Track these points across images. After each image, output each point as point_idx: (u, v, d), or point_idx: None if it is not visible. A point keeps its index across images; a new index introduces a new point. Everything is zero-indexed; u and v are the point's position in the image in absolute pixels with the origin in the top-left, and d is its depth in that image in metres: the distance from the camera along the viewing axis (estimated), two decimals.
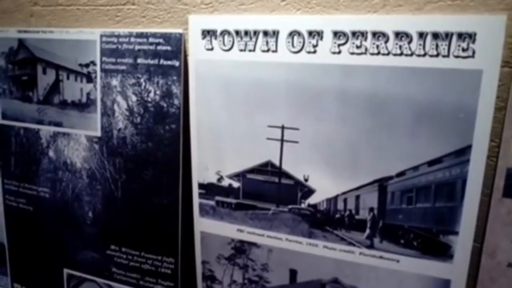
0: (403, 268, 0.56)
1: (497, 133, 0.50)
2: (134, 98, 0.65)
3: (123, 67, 0.65)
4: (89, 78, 0.68)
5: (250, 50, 0.57)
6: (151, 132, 0.65)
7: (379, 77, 0.51)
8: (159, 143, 0.65)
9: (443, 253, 0.54)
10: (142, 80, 0.64)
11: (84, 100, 0.69)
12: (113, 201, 0.71)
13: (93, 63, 0.67)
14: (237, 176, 0.63)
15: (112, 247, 0.74)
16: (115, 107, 0.67)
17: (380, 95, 0.52)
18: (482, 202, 0.51)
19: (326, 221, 0.59)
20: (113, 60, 0.66)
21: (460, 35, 0.47)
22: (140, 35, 0.63)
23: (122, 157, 0.68)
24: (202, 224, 0.67)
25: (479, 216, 0.52)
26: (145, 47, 0.63)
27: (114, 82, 0.66)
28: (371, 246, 0.57)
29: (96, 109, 0.68)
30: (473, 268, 0.55)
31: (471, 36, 0.47)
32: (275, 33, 0.55)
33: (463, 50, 0.47)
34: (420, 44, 0.49)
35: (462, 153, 0.50)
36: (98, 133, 0.69)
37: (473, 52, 0.47)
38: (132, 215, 0.70)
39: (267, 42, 0.55)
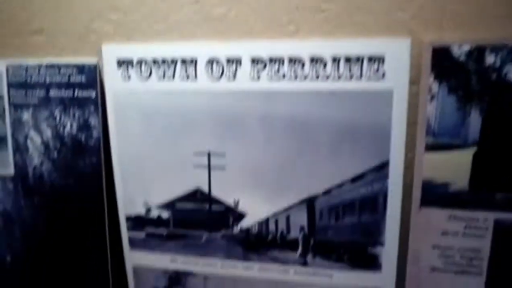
0: (337, 282, 0.58)
1: (413, 146, 0.53)
2: (49, 132, 0.61)
3: (35, 101, 0.61)
4: None
5: (169, 79, 0.55)
6: (70, 167, 0.62)
7: (299, 101, 0.52)
8: (79, 178, 0.61)
9: (372, 264, 0.56)
10: (56, 113, 0.61)
11: None
12: (34, 243, 0.66)
13: (0, 97, 0.62)
14: (166, 206, 0.61)
15: None
16: (29, 143, 0.62)
17: (301, 118, 0.53)
18: (404, 212, 0.54)
19: (259, 243, 0.59)
20: (23, 93, 0.61)
21: (371, 58, 0.49)
22: (50, 66, 0.60)
23: (41, 196, 0.64)
24: (134, 258, 0.65)
25: (402, 225, 0.55)
26: (57, 78, 0.60)
27: (26, 116, 0.62)
28: (305, 264, 0.58)
29: (6, 146, 0.63)
30: (400, 276, 0.57)
31: (380, 59, 0.49)
32: (194, 61, 0.54)
33: (374, 72, 0.49)
34: (334, 68, 0.50)
35: (381, 169, 0.52)
36: (11, 172, 0.64)
37: (383, 74, 0.49)
38: (57, 256, 0.66)
39: (186, 70, 0.55)
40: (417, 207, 0.53)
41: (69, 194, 0.63)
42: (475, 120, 0.49)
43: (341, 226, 0.56)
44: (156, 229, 0.62)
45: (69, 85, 0.60)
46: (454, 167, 0.51)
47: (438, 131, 0.50)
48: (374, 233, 0.55)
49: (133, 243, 0.64)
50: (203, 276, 0.62)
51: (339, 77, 0.50)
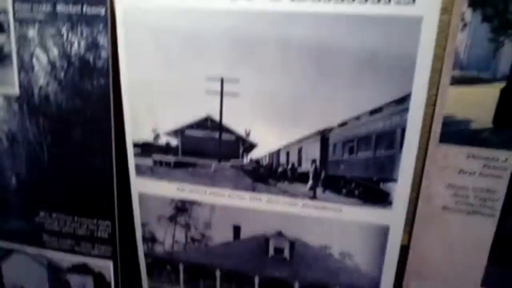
0: (345, 217, 0.57)
1: (435, 82, 0.51)
2: (55, 51, 0.59)
3: (41, 16, 0.58)
4: (1, 28, 0.60)
5: None
6: (77, 89, 0.59)
7: (320, 25, 0.49)
8: (87, 100, 0.59)
9: (383, 200, 0.55)
10: (63, 30, 0.58)
11: None
12: (40, 165, 0.65)
13: (5, 11, 0.59)
14: (175, 133, 0.59)
15: (42, 213, 0.68)
16: (35, 61, 0.60)
17: (322, 44, 0.50)
18: (419, 150, 0.53)
19: (269, 175, 0.58)
20: (29, 7, 0.58)
21: None
22: None
23: (46, 117, 0.62)
24: (140, 185, 0.64)
25: (416, 163, 0.53)
26: None
27: (31, 33, 0.59)
28: (314, 197, 0.57)
29: (11, 64, 0.61)
30: (410, 214, 0.57)
31: None
32: None
33: None
34: None
35: (402, 102, 0.50)
36: (16, 91, 0.62)
37: None
38: (62, 179, 0.65)
39: None
40: (435, 144, 0.52)
41: (76, 117, 0.61)
42: (507, 52, 0.46)
43: (355, 161, 0.55)
44: (164, 157, 0.61)
45: (77, 0, 0.56)
46: (479, 102, 0.48)
47: (466, 64, 0.47)
48: (388, 169, 0.53)
49: (140, 170, 0.63)
50: (209, 206, 0.62)
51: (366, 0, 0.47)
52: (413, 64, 0.48)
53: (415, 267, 0.59)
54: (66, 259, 0.71)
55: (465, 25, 0.46)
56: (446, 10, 0.48)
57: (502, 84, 0.47)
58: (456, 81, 0.48)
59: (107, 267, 0.69)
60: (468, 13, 0.46)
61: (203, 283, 0.68)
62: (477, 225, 0.55)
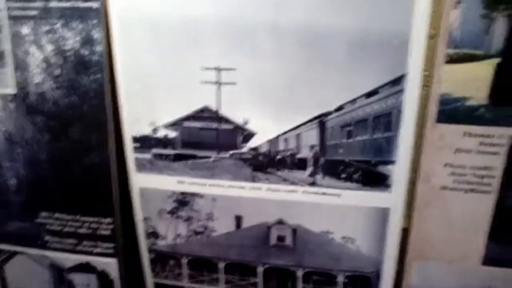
0: (345, 202, 0.58)
1: (429, 62, 0.51)
2: (50, 47, 0.59)
3: (34, 13, 0.58)
4: None
5: None
6: (73, 85, 0.59)
7: (311, 8, 0.49)
8: (83, 96, 0.59)
9: (382, 183, 0.56)
10: (57, 26, 0.58)
11: None
12: (38, 164, 0.65)
13: None
14: (172, 125, 0.59)
15: (43, 214, 0.68)
16: (30, 59, 0.60)
17: (313, 26, 0.50)
18: (416, 131, 0.53)
19: (268, 163, 0.59)
20: (21, 4, 0.58)
21: None
22: None
23: (43, 115, 0.62)
24: (140, 180, 0.64)
25: (414, 145, 0.54)
26: None
27: (25, 30, 0.59)
28: (313, 184, 0.58)
29: (7, 63, 0.61)
30: (409, 195, 0.57)
31: None
32: None
33: None
34: None
35: (397, 83, 0.50)
36: (13, 90, 0.62)
37: None
38: (61, 178, 0.65)
39: None
40: (432, 123, 0.52)
41: (73, 113, 0.61)
42: (500, 28, 0.46)
43: (353, 144, 0.55)
44: (163, 150, 0.61)
45: None
46: (474, 79, 0.49)
47: (460, 41, 0.48)
48: (386, 151, 0.54)
49: (140, 165, 0.63)
50: (211, 197, 0.62)
51: None
52: (406, 43, 0.48)
53: (417, 248, 0.59)
54: (69, 258, 0.70)
55: (458, 1, 0.47)
56: None
57: (496, 60, 0.48)
58: (451, 59, 0.49)
59: (110, 264, 0.69)
60: None
61: (207, 276, 0.68)
62: (476, 203, 0.55)
